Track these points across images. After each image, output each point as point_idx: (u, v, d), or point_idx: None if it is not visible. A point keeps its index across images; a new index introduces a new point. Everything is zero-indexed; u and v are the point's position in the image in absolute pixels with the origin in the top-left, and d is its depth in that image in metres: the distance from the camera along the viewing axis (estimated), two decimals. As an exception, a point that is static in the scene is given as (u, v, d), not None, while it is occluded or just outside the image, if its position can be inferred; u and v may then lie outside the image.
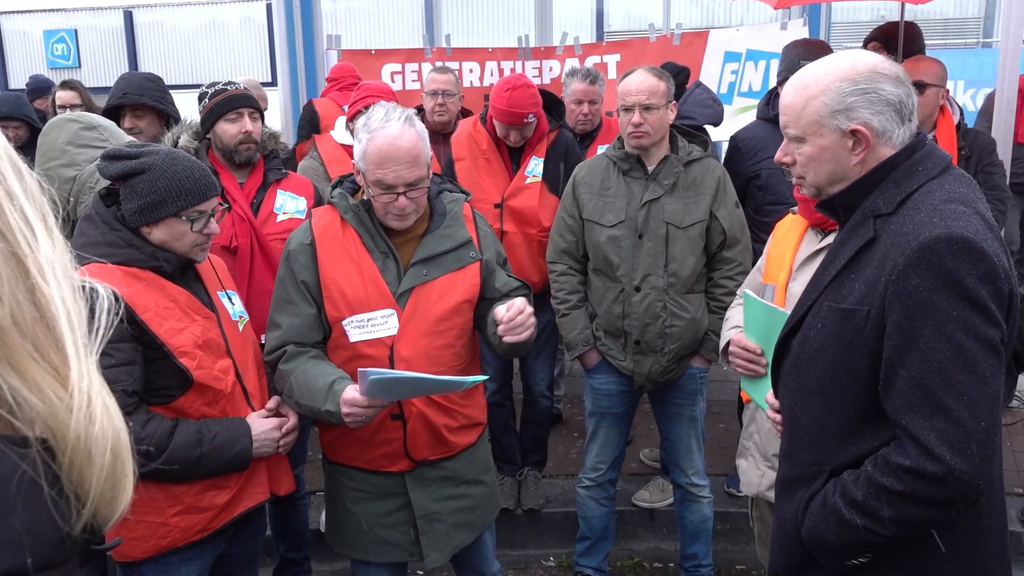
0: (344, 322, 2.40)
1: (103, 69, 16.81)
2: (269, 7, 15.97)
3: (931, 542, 1.65)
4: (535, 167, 3.87)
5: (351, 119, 3.73)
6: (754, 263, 3.00)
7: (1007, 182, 3.87)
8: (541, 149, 3.89)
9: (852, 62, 1.72)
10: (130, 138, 2.74)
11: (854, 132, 1.69)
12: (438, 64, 5.38)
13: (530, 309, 2.35)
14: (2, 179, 0.65)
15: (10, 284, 0.63)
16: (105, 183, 2.52)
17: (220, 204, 2.31)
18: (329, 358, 2.45)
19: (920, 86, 3.41)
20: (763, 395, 2.62)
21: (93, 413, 0.69)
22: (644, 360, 3.26)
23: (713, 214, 3.19)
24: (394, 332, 2.40)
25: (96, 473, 0.69)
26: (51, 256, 0.66)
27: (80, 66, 17.08)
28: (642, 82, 3.10)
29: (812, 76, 1.75)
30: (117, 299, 0.77)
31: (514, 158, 3.90)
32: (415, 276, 2.42)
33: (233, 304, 2.43)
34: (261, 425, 2.32)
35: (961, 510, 1.57)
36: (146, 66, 16.71)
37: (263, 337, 2.62)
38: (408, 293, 2.41)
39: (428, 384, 2.27)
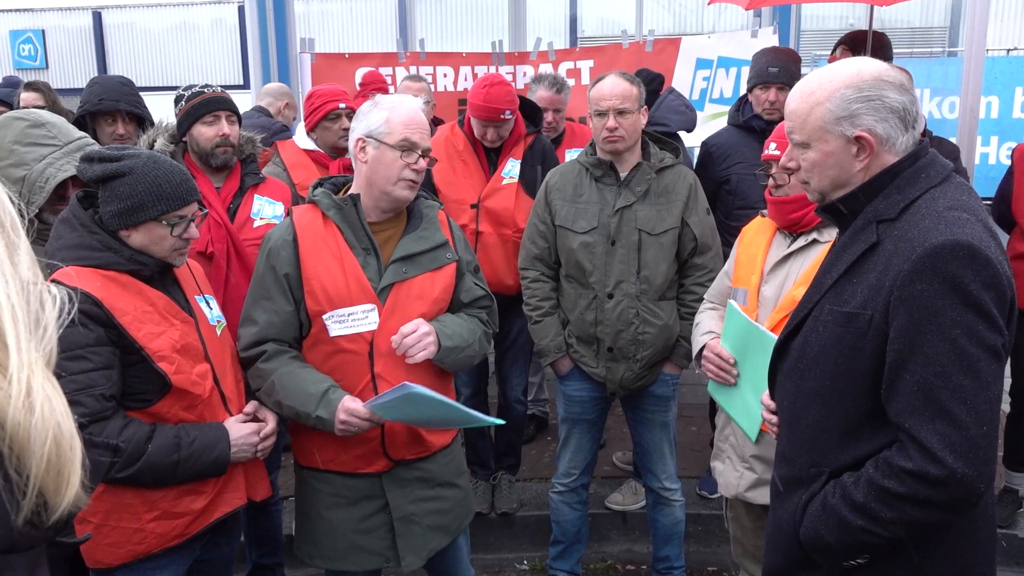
0: (325, 316, 2.42)
1: (71, 70, 16.62)
2: (241, 9, 15.87)
3: (927, 543, 1.68)
4: (512, 168, 3.90)
5: (312, 128, 3.76)
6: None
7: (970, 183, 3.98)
8: (518, 151, 3.93)
9: (858, 69, 1.74)
10: (80, 133, 2.70)
11: (858, 139, 1.72)
12: (411, 72, 5.40)
13: (423, 330, 2.43)
14: None
15: None
16: (56, 181, 2.51)
17: (199, 209, 2.31)
18: (309, 355, 2.48)
19: None
20: (730, 402, 2.68)
21: (33, 403, 0.71)
22: (617, 367, 3.29)
23: (684, 221, 3.23)
24: (374, 327, 2.43)
25: (36, 462, 0.72)
26: (2, 258, 0.68)
27: (47, 67, 16.86)
28: (615, 86, 3.13)
29: (818, 82, 1.77)
30: (71, 300, 0.79)
31: (491, 160, 3.92)
32: (395, 273, 2.47)
33: (211, 308, 2.43)
34: (239, 430, 2.32)
35: (961, 512, 1.60)
36: (115, 68, 16.55)
37: None
38: (388, 289, 2.46)
39: (443, 411, 2.34)
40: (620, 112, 3.11)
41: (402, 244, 2.50)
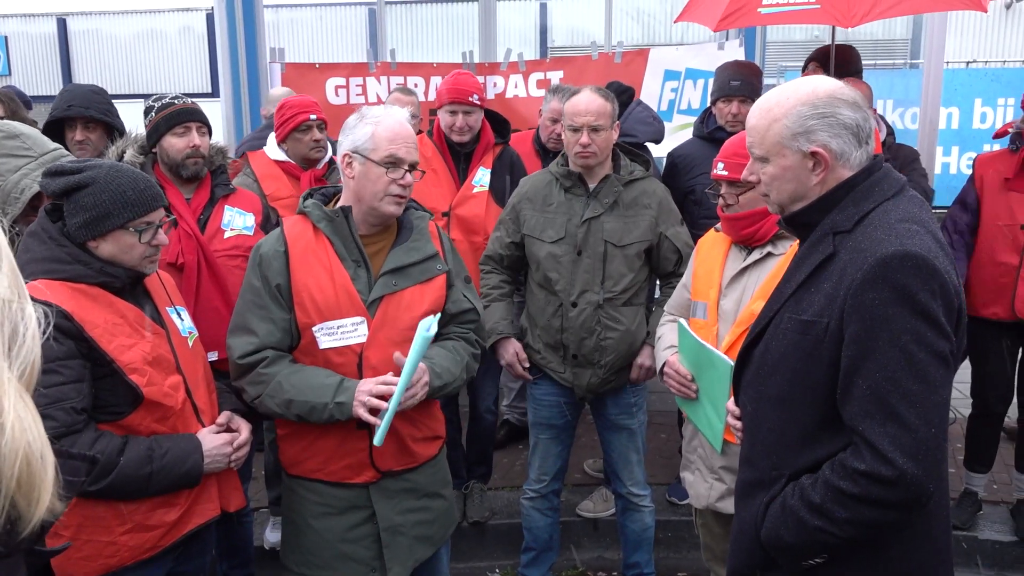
0: (314, 328, 2.43)
1: (35, 77, 16.38)
2: (209, 17, 15.76)
3: (883, 543, 1.73)
4: (482, 177, 3.95)
5: (283, 140, 3.77)
6: None
7: (928, 184, 4.08)
8: (488, 161, 3.97)
9: (814, 87, 1.81)
10: (55, 145, 2.69)
11: (814, 154, 1.79)
12: (382, 82, 5.41)
13: (423, 380, 2.45)
14: None
15: None
16: (31, 193, 2.50)
17: (167, 216, 2.30)
18: None
19: None
20: (695, 414, 2.74)
21: (3, 424, 0.72)
22: (583, 372, 3.33)
23: (663, 235, 3.28)
24: (363, 339, 2.44)
25: (6, 481, 0.73)
26: None
27: (10, 74, 16.61)
28: (590, 103, 3.16)
29: (776, 100, 1.84)
30: (47, 318, 0.80)
31: (460, 169, 3.96)
32: (385, 285, 2.48)
33: (183, 320, 2.42)
34: (212, 441, 2.31)
35: (912, 512, 1.66)
36: (80, 75, 16.36)
37: (212, 354, 2.60)
38: (378, 302, 2.46)
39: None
40: (594, 128, 3.15)
41: (392, 256, 2.51)
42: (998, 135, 3.95)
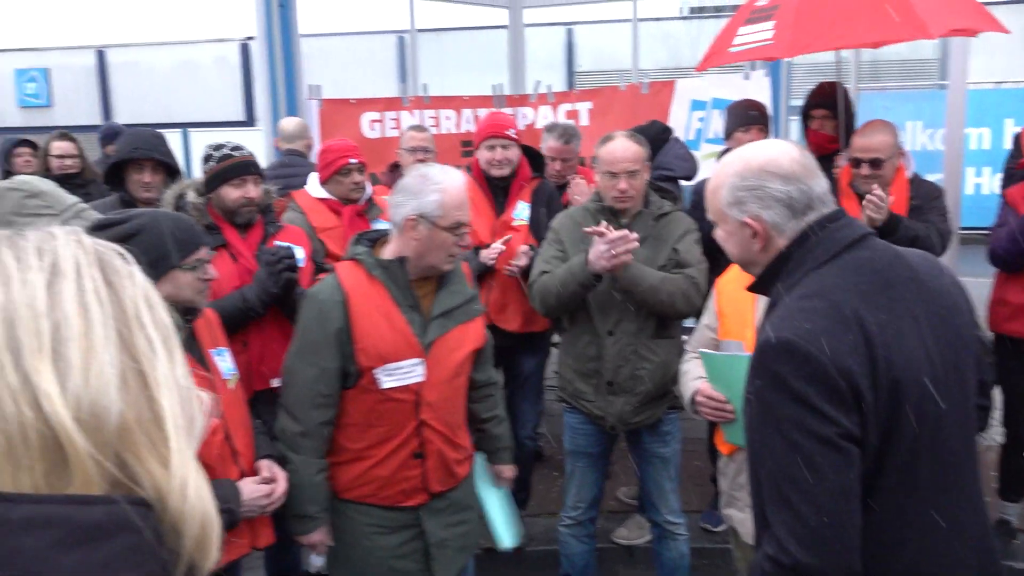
0: (376, 371, 2.60)
1: (76, 109, 16.80)
2: (243, 47, 16.12)
3: None
4: (522, 211, 4.06)
5: (325, 181, 3.94)
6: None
7: (947, 223, 4.01)
8: (526, 195, 4.09)
9: (747, 159, 1.83)
10: (74, 199, 2.82)
11: (747, 224, 1.81)
12: (415, 116, 5.57)
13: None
14: (136, 311, 0.85)
15: (135, 394, 0.82)
16: None
17: (209, 249, 2.46)
18: (356, 402, 2.63)
19: (876, 163, 3.66)
20: (741, 434, 2.73)
21: (187, 493, 0.87)
22: (616, 400, 3.39)
23: (675, 248, 3.35)
24: (421, 379, 2.63)
25: (188, 541, 0.87)
26: (167, 372, 0.84)
27: (52, 105, 17.05)
28: (627, 149, 3.28)
29: (720, 167, 1.87)
30: (214, 403, 0.92)
31: (498, 202, 4.07)
32: (438, 328, 2.67)
33: (225, 361, 2.53)
34: (251, 492, 2.43)
35: None
36: (120, 106, 16.77)
37: (273, 381, 2.76)
38: (432, 344, 2.65)
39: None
40: (631, 174, 3.27)
41: (439, 300, 2.69)
42: (1022, 166, 4.00)
